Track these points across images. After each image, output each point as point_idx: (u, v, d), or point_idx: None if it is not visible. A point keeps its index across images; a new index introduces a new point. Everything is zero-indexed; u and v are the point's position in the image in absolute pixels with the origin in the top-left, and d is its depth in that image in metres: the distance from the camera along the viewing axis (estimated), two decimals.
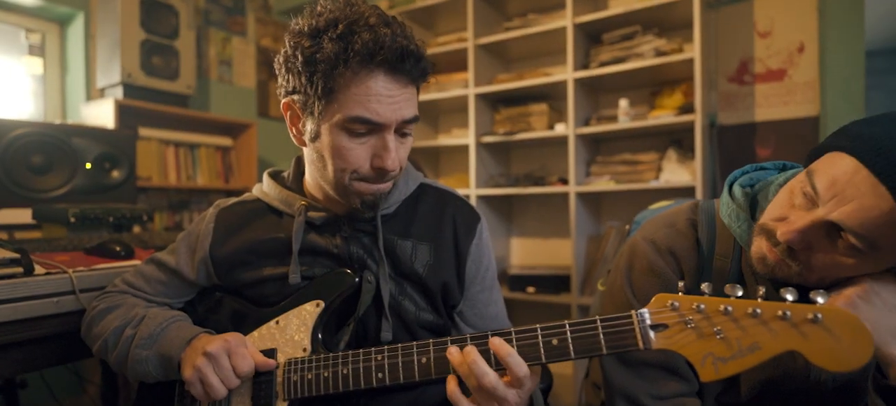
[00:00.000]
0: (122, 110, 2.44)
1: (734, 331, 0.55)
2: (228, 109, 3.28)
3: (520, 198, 2.82)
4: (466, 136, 2.64)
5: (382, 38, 0.73)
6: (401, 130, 0.79)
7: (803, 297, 0.55)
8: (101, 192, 1.91)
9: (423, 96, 2.73)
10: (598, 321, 0.62)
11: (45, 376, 1.96)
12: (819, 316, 0.52)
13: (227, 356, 0.76)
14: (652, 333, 0.59)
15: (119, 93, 2.49)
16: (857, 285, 0.66)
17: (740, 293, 0.57)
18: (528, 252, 2.83)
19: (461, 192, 2.56)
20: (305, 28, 0.76)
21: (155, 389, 0.89)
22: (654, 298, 0.60)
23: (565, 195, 2.42)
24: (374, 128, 0.76)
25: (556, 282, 2.43)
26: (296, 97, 0.80)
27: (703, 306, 0.57)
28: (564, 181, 2.44)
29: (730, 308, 0.56)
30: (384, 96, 0.75)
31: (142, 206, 1.65)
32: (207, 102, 3.20)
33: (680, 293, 0.60)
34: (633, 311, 0.61)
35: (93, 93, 2.68)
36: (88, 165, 1.89)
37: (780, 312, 0.54)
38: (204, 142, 2.94)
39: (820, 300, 0.54)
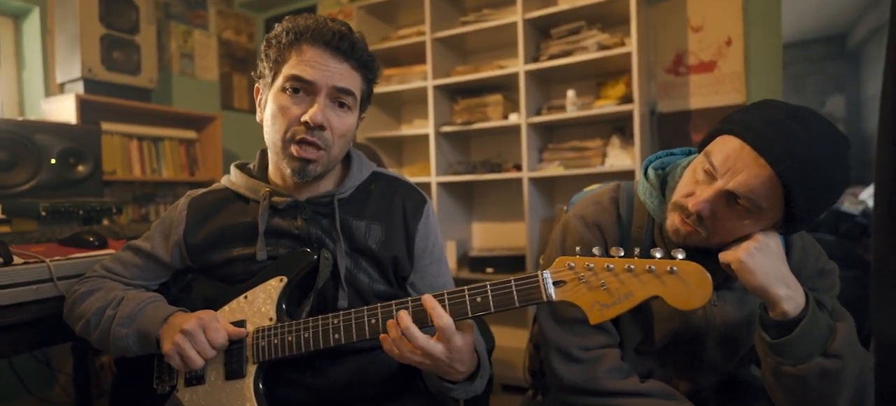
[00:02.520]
0: (83, 105, 2.46)
1: (614, 283, 0.70)
2: (191, 103, 3.30)
3: (478, 184, 2.97)
4: (427, 127, 2.76)
5: (322, 22, 0.90)
6: (337, 100, 0.92)
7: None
8: (67, 187, 1.96)
9: (385, 88, 2.84)
10: (512, 281, 0.76)
11: (16, 368, 2.00)
12: (675, 268, 0.68)
13: (203, 331, 0.87)
14: (553, 289, 0.73)
15: (80, 88, 2.50)
16: (753, 239, 0.82)
17: (622, 254, 0.72)
18: (487, 235, 2.99)
19: (423, 179, 2.69)
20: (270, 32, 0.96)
21: (133, 363, 1.00)
22: (555, 261, 0.75)
23: (520, 180, 2.58)
24: (307, 87, 0.90)
25: (513, 262, 2.59)
26: (261, 71, 0.97)
27: (592, 265, 0.72)
28: (519, 167, 2.59)
29: (612, 266, 0.71)
30: (318, 63, 0.89)
31: (111, 200, 1.72)
32: (170, 96, 3.21)
33: (576, 256, 0.74)
34: (538, 272, 0.75)
35: (52, 88, 2.68)
36: (53, 161, 1.94)
37: (647, 267, 0.69)
38: (168, 135, 2.97)
39: (679, 257, 0.70)
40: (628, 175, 2.31)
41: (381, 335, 0.82)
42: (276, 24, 0.95)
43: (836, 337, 0.82)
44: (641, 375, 0.99)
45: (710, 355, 1.00)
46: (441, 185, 2.72)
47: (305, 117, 0.89)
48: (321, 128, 0.90)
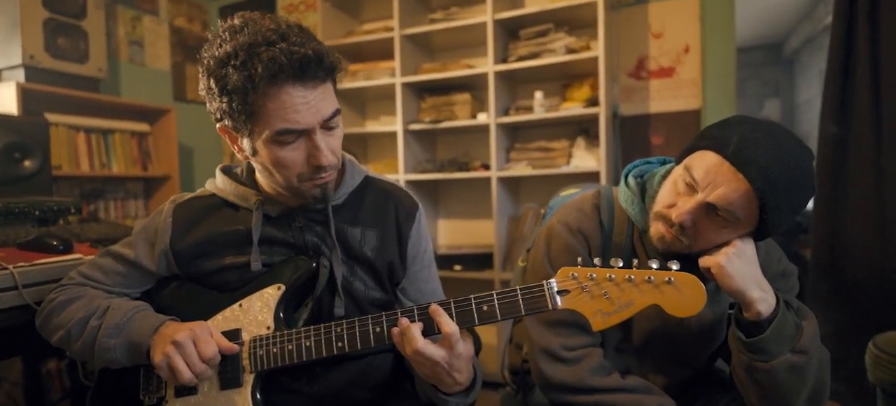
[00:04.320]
0: (25, 95, 2.29)
1: (615, 292, 0.74)
2: (141, 93, 3.13)
3: (445, 182, 2.99)
4: (394, 124, 2.75)
5: (279, 56, 0.78)
6: (326, 126, 0.87)
7: (689, 265, 0.75)
8: (12, 184, 1.83)
9: (351, 84, 2.80)
10: (518, 290, 0.79)
11: None
12: (672, 279, 0.73)
13: (193, 343, 0.84)
14: (558, 297, 0.77)
15: (20, 76, 2.33)
16: (731, 245, 0.88)
17: (621, 265, 0.76)
18: (454, 233, 3.02)
19: (390, 177, 2.68)
20: (211, 62, 0.83)
21: (116, 373, 0.96)
22: (559, 271, 0.78)
23: (487, 180, 2.62)
24: (300, 133, 0.84)
25: (480, 259, 2.64)
26: (226, 122, 0.87)
27: (594, 275, 0.76)
28: (486, 167, 2.63)
29: (613, 276, 0.75)
30: (300, 104, 0.81)
31: (70, 199, 1.62)
32: (118, 86, 3.04)
33: (578, 266, 0.78)
34: (544, 281, 0.78)
35: None
36: None
37: (646, 277, 0.74)
38: (118, 128, 2.81)
39: (674, 268, 0.75)
40: (593, 176, 2.40)
41: (393, 330, 0.83)
42: (228, 67, 0.80)
43: (803, 334, 0.90)
44: (621, 372, 1.04)
45: (685, 352, 1.07)
46: (408, 183, 2.73)
47: (315, 163, 0.86)
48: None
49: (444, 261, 2.68)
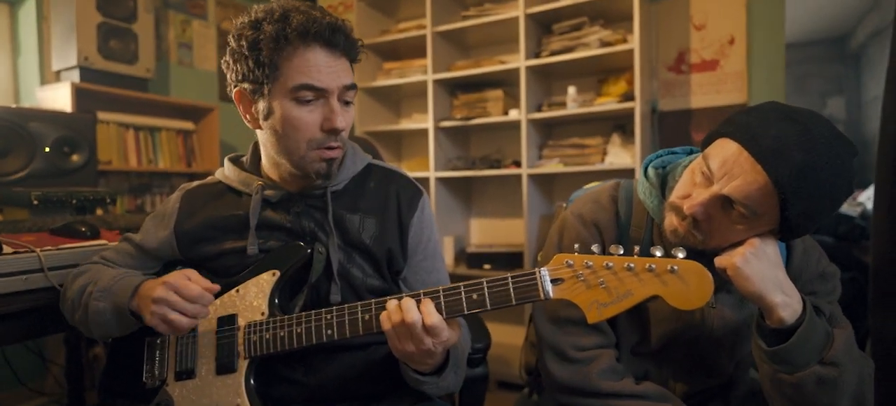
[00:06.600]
0: (79, 94, 2.44)
1: (613, 281, 0.69)
2: (189, 93, 3.27)
3: (478, 180, 2.95)
4: (426, 121, 2.74)
5: (314, 16, 0.86)
6: (343, 98, 0.90)
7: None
8: (61, 176, 1.94)
9: (385, 81, 2.81)
10: (509, 278, 0.74)
11: (9, 358, 1.99)
12: (675, 267, 0.66)
13: (175, 292, 0.82)
14: (550, 286, 0.72)
15: (76, 76, 2.48)
16: (748, 244, 0.80)
17: (621, 252, 0.70)
18: (485, 231, 2.97)
19: (422, 174, 2.67)
20: (246, 21, 0.89)
21: (124, 356, 0.98)
22: (553, 258, 0.73)
23: (519, 177, 2.56)
24: (319, 94, 0.87)
25: (510, 259, 2.58)
26: (245, 85, 0.90)
27: (590, 263, 0.70)
28: (518, 164, 2.58)
29: (611, 264, 0.69)
30: (323, 66, 0.86)
31: (104, 190, 1.70)
32: (167, 86, 3.19)
33: (574, 254, 0.72)
34: (536, 269, 0.73)
35: (48, 76, 2.65)
36: (47, 149, 1.92)
37: (647, 266, 0.68)
38: (165, 125, 2.94)
39: (680, 256, 0.68)
40: (628, 173, 2.30)
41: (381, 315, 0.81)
42: (263, 23, 0.86)
43: (834, 344, 0.80)
44: (638, 377, 0.97)
45: (708, 358, 0.99)
46: (440, 180, 2.71)
47: (329, 126, 0.88)
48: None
49: (474, 260, 2.64)
